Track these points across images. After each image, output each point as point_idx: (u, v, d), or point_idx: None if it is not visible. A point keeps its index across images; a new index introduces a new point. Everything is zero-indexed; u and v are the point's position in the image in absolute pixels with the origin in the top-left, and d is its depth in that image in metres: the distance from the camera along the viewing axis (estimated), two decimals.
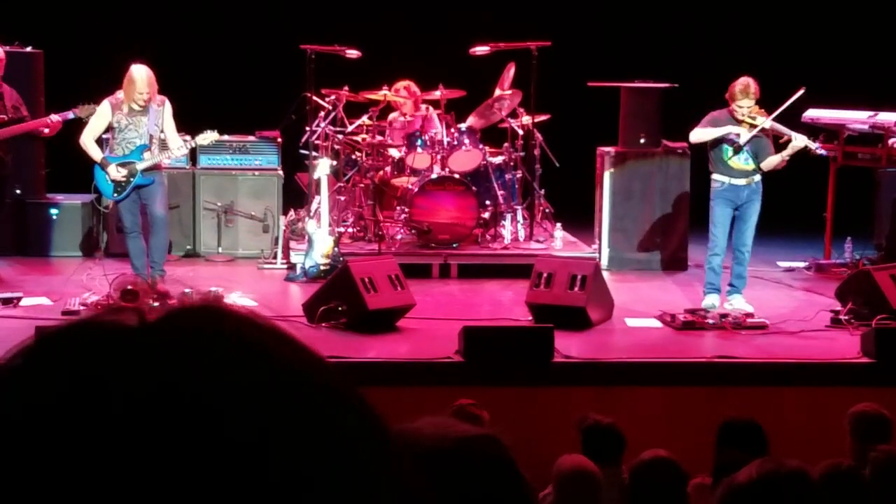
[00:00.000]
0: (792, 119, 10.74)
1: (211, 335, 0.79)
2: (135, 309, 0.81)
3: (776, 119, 8.88)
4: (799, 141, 8.77)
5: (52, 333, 0.79)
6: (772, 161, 8.83)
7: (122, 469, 0.72)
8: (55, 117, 9.27)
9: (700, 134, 8.97)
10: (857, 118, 10.73)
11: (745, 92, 8.71)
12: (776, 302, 9.36)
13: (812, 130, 10.95)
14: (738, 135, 8.81)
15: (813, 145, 8.85)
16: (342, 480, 0.76)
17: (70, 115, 9.18)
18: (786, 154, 8.82)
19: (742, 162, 8.85)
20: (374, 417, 0.82)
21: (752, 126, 8.78)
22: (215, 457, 0.73)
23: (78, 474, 0.72)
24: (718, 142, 8.88)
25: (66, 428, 0.73)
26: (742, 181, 8.84)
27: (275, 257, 10.64)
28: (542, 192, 11.27)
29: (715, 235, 8.93)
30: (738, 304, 8.92)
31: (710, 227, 8.97)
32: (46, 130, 9.31)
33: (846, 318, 8.31)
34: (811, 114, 10.90)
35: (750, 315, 8.55)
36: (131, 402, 0.74)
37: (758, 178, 8.89)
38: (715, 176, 8.96)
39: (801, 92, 8.92)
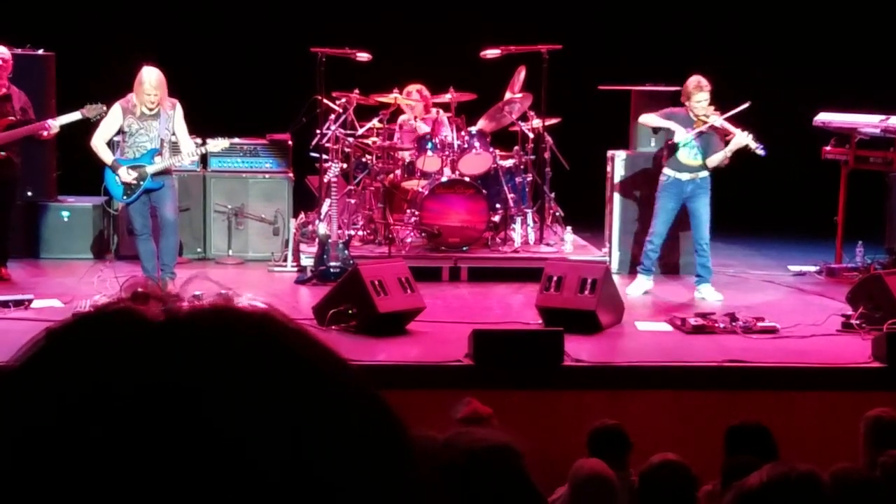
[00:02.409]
0: (801, 122, 10.75)
1: (236, 335, 0.79)
2: (162, 303, 0.81)
3: (727, 119, 9.29)
4: (740, 138, 9.15)
5: (77, 322, 0.79)
6: (716, 158, 9.30)
7: (143, 465, 0.72)
8: (52, 122, 9.31)
9: (648, 118, 9.62)
10: (868, 122, 10.69)
11: (699, 87, 9.25)
12: (787, 306, 9.33)
13: (823, 134, 10.94)
14: (674, 132, 9.33)
15: (753, 144, 9.16)
16: (366, 482, 0.76)
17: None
18: (728, 150, 9.25)
19: (691, 157, 9.36)
20: (396, 421, 0.82)
21: (705, 123, 9.22)
22: (239, 456, 0.73)
23: (98, 469, 0.72)
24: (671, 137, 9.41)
25: (92, 419, 0.73)
26: (686, 176, 9.39)
27: (285, 260, 10.65)
28: (553, 195, 11.26)
29: (654, 225, 9.56)
30: (707, 293, 9.38)
31: (653, 218, 9.59)
32: (45, 133, 9.37)
33: (857, 322, 8.28)
34: (822, 118, 10.87)
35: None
36: (157, 397, 0.74)
37: (704, 174, 9.38)
38: (663, 170, 9.54)
39: (746, 105, 9.24)
